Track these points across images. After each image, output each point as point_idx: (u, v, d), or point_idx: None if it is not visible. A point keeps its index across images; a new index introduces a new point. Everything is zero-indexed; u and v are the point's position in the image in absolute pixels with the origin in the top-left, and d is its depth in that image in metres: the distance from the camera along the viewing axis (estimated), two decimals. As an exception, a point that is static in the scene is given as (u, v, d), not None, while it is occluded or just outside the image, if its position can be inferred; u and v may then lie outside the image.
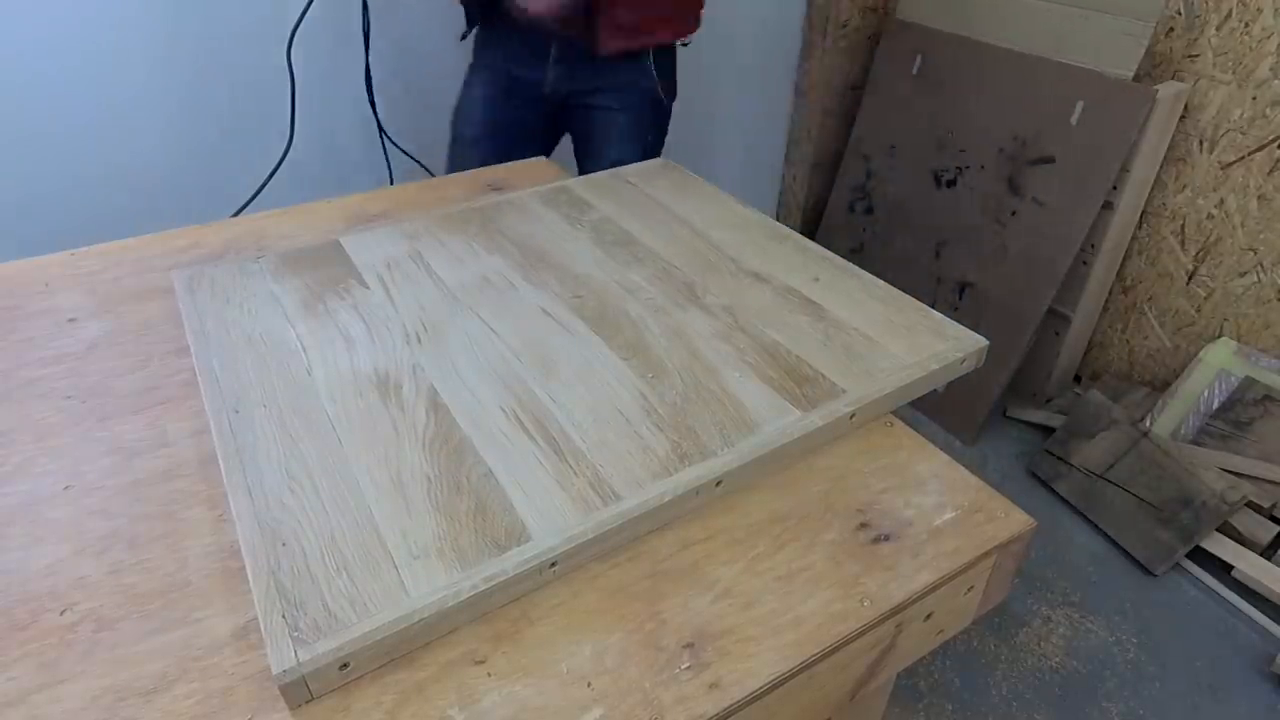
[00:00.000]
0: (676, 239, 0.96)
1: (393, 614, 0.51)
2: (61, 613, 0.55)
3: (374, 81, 1.50)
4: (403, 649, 0.52)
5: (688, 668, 0.52)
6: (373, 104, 1.53)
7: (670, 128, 1.52)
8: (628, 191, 1.07)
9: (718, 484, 0.63)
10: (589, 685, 0.51)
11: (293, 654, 0.48)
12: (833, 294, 0.85)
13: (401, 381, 0.72)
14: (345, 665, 0.50)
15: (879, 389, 0.71)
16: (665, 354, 0.76)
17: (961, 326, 0.79)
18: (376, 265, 0.90)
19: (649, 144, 1.48)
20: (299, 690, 0.49)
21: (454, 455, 0.64)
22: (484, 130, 1.45)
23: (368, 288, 0.86)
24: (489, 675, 0.52)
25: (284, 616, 0.50)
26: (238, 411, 0.68)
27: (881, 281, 0.87)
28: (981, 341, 0.78)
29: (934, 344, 0.77)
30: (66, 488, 0.65)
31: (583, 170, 1.49)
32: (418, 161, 1.57)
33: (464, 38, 1.42)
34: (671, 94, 1.47)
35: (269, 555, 0.55)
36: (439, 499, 0.60)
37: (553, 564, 0.56)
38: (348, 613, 0.51)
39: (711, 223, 0.99)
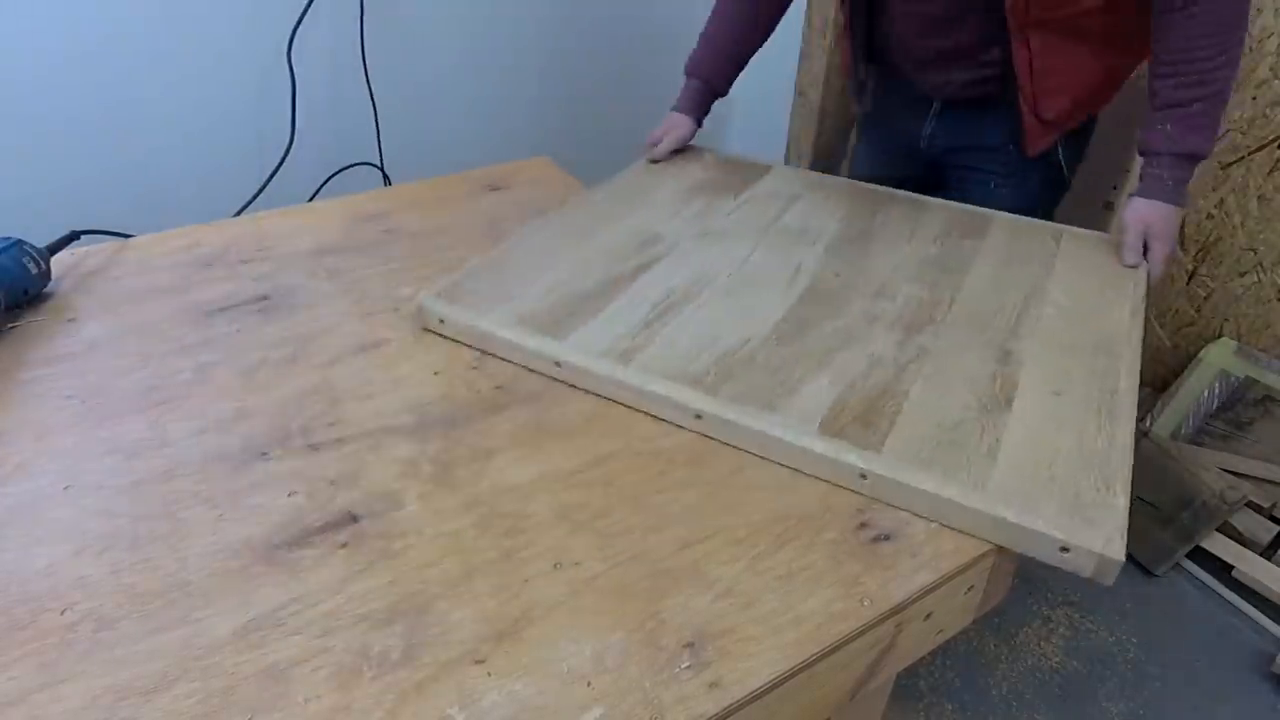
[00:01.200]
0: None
1: None
2: (61, 613, 0.55)
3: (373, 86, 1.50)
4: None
5: (688, 667, 0.52)
6: (374, 105, 1.54)
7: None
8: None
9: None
10: (589, 685, 0.51)
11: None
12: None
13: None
14: None
15: None
16: None
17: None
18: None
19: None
20: None
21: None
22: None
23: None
24: (489, 675, 0.52)
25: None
26: None
27: None
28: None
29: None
30: (66, 488, 0.65)
31: None
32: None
33: (861, 109, 1.32)
34: (1074, 170, 1.19)
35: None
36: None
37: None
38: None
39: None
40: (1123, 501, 0.62)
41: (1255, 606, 1.47)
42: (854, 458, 0.66)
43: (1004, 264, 0.95)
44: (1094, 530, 0.60)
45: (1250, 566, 1.49)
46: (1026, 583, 1.47)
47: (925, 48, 1.12)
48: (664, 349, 0.78)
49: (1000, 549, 0.62)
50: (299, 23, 1.36)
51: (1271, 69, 1.52)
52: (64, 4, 1.22)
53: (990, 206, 1.07)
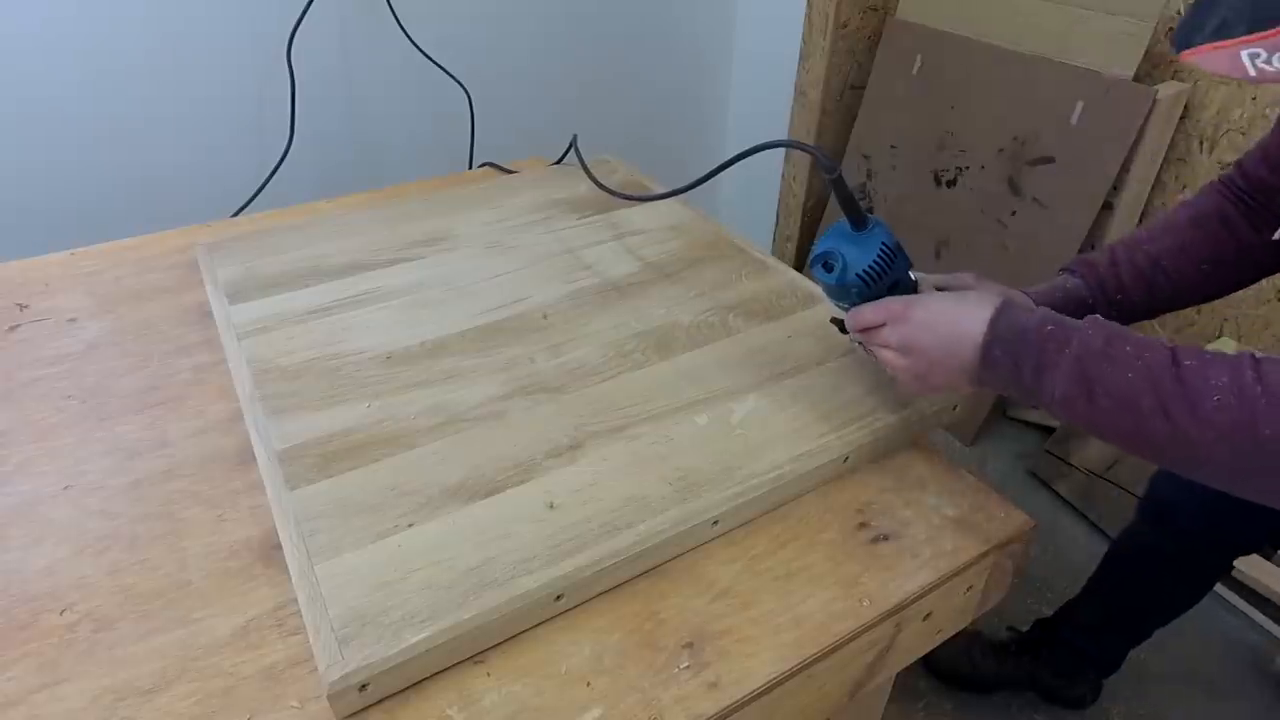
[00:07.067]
0: None
1: None
2: (61, 613, 0.55)
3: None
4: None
5: (687, 667, 0.52)
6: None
7: (672, 129, 1.42)
8: None
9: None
10: (588, 685, 0.51)
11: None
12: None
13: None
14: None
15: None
16: None
17: None
18: None
19: None
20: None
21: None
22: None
23: None
24: (489, 675, 0.52)
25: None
26: None
27: None
28: None
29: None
30: (66, 488, 0.65)
31: None
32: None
33: None
34: None
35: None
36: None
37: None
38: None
39: None
40: None
41: (1255, 606, 1.47)
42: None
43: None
44: None
45: (1250, 566, 1.48)
46: (1026, 582, 1.47)
47: None
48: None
49: (999, 548, 0.62)
50: (299, 23, 1.36)
51: (1271, 69, 1.52)
52: (63, 4, 1.22)
53: None
